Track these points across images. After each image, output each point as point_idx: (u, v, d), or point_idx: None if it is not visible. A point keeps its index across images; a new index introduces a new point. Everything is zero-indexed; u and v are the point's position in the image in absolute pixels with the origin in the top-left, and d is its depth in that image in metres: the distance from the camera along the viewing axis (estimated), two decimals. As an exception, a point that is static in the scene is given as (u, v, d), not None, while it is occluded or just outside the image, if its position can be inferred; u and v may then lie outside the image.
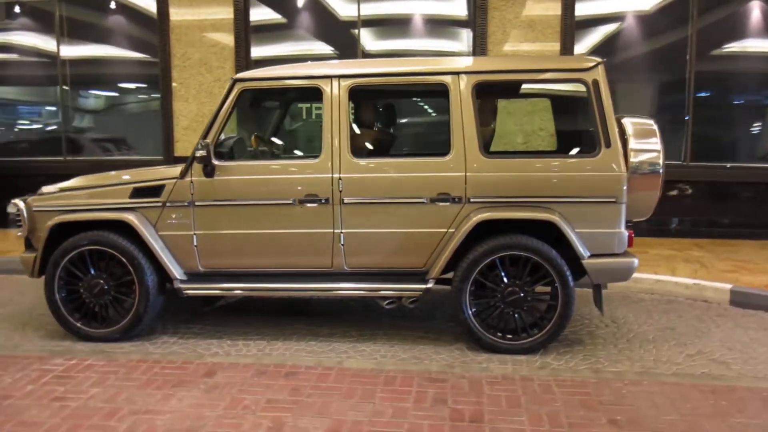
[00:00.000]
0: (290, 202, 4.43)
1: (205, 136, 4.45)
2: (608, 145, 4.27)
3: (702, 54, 8.34)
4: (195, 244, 4.56)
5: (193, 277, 4.63)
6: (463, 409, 3.47)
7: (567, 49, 8.11)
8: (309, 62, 4.68)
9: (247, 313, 5.39)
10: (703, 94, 8.42)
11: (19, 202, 4.70)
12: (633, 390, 3.73)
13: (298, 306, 5.57)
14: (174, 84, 8.97)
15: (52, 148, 9.60)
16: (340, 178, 4.40)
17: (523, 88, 4.81)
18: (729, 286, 5.67)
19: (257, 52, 9.02)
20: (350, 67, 4.48)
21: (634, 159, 4.40)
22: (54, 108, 9.65)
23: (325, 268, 4.53)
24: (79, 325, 4.63)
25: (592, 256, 4.30)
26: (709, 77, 8.41)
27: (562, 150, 4.93)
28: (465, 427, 3.28)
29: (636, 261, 4.33)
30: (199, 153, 4.33)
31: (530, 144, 6.25)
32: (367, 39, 8.81)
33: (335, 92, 4.44)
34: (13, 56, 9.84)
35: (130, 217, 4.50)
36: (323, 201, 4.41)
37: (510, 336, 4.36)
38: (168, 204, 4.53)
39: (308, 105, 4.96)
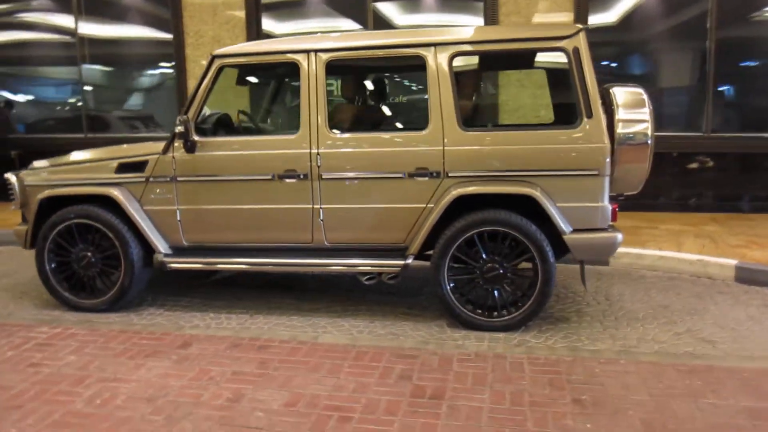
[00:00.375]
0: (269, 177, 4.42)
1: (185, 112, 4.47)
2: (590, 115, 4.12)
3: (723, 21, 7.96)
4: (179, 219, 4.60)
5: (178, 251, 4.68)
6: (426, 385, 3.43)
7: (581, 18, 7.85)
8: (290, 37, 4.62)
9: (237, 287, 5.44)
10: (724, 63, 8.05)
11: (12, 176, 4.82)
12: (607, 369, 3.63)
13: (288, 281, 5.59)
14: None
15: (73, 126, 9.85)
16: (318, 154, 4.36)
17: (504, 59, 4.68)
18: (734, 262, 5.46)
19: (269, 26, 9.00)
20: (327, 41, 4.41)
21: (621, 130, 4.24)
22: (74, 86, 9.83)
23: (306, 243, 4.52)
24: (67, 295, 4.75)
25: (575, 231, 4.19)
26: (730, 45, 8.02)
27: (549, 122, 4.78)
28: (423, 403, 3.24)
29: (620, 236, 4.19)
30: (178, 129, 4.35)
31: (524, 116, 6.15)
32: (382, 13, 8.71)
33: (312, 67, 4.38)
34: (35, 35, 10.04)
35: (115, 192, 4.56)
36: (302, 176, 4.38)
37: (489, 313, 4.29)
38: (151, 179, 4.57)
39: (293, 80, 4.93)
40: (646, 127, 4.22)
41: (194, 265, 4.60)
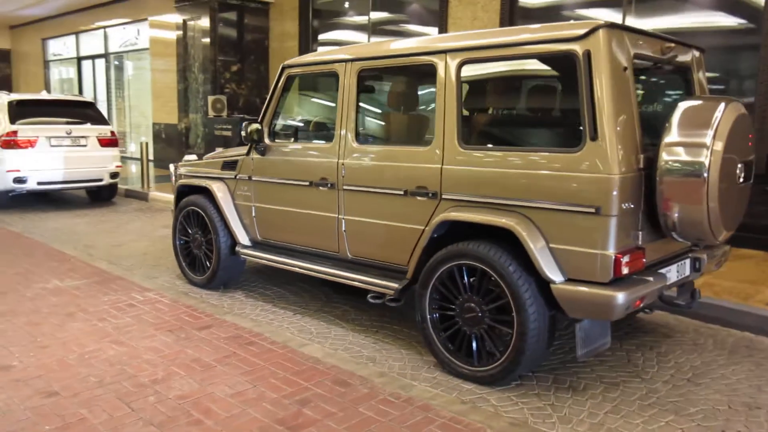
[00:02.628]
0: (307, 184, 4.52)
1: (261, 118, 4.86)
2: (594, 137, 3.15)
3: None
4: (254, 215, 5.04)
5: (255, 244, 5.13)
6: (311, 416, 3.19)
7: None
8: (345, 47, 4.57)
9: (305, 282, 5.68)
10: None
11: (172, 166, 5.90)
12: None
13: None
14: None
15: None
16: (342, 164, 4.29)
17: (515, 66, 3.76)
18: None
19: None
20: (360, 51, 4.27)
21: (664, 157, 3.18)
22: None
23: (334, 252, 4.49)
24: (185, 267, 5.64)
25: (570, 281, 3.27)
26: None
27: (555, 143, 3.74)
28: (272, 427, 3.06)
29: (620, 296, 3.10)
30: (243, 134, 4.78)
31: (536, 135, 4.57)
32: None
33: (346, 76, 4.31)
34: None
35: (212, 185, 5.24)
36: (330, 186, 4.37)
37: (465, 359, 3.65)
38: (238, 177, 5.11)
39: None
40: (701, 154, 3.07)
41: (256, 259, 5.00)
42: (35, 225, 8.45)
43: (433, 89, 3.83)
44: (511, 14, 8.87)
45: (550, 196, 3.32)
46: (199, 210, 5.34)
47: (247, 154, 5.02)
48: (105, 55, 17.02)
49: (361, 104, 4.29)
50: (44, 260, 6.34)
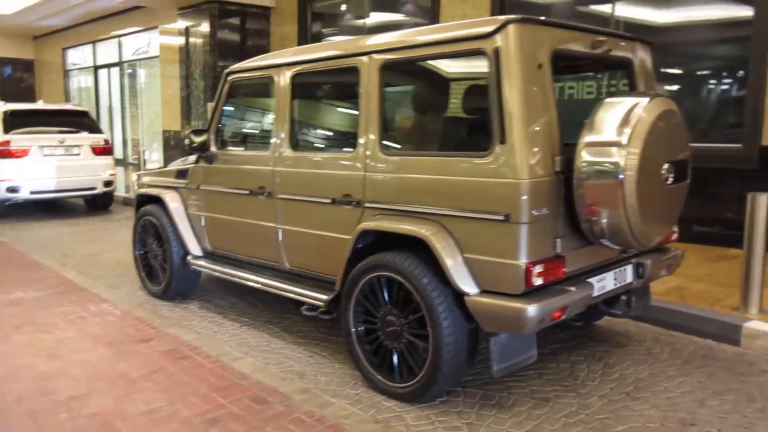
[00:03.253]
0: (248, 192, 4.40)
1: (208, 125, 4.75)
2: (503, 140, 2.95)
3: None
4: (203, 224, 4.94)
5: (206, 255, 5.02)
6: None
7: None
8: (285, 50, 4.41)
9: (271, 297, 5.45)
10: None
11: (134, 175, 5.84)
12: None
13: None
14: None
15: None
16: (277, 172, 4.16)
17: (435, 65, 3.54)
18: None
19: None
20: (292, 55, 4.12)
21: (580, 158, 2.97)
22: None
23: (275, 263, 4.35)
24: (143, 275, 5.60)
25: (485, 293, 3.07)
26: None
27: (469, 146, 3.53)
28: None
29: (531, 309, 2.88)
30: (186, 141, 4.68)
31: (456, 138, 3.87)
32: None
33: (281, 82, 4.17)
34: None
35: (165, 194, 5.15)
36: (267, 194, 4.24)
37: (387, 374, 3.47)
38: (189, 186, 5.01)
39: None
40: (619, 155, 2.85)
41: (205, 270, 4.89)
42: (24, 234, 8.54)
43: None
44: (502, 11, 8.62)
45: (463, 204, 3.12)
46: (154, 220, 5.27)
47: (196, 162, 4.92)
48: (119, 64, 17.22)
49: (295, 110, 4.14)
50: (17, 270, 6.36)
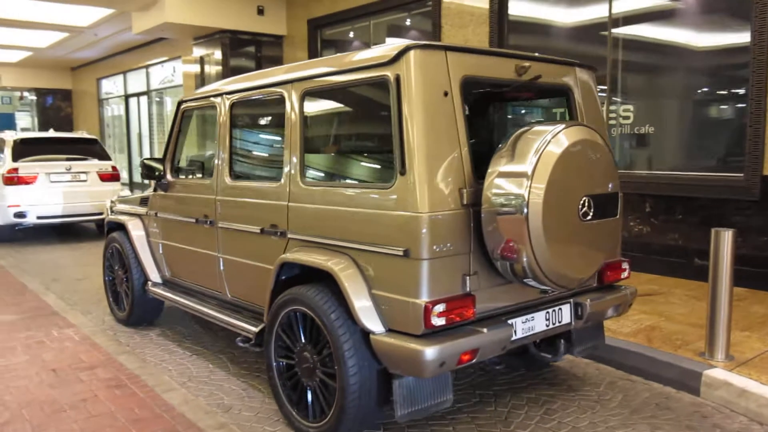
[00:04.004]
0: (194, 221, 4.36)
1: (164, 154, 4.76)
2: (402, 171, 2.83)
3: None
4: (161, 251, 4.92)
5: (165, 282, 4.99)
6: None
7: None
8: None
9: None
10: None
11: (108, 201, 5.88)
12: None
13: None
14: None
15: None
16: (218, 200, 4.11)
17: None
18: None
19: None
20: (231, 84, 4.10)
21: (486, 191, 2.82)
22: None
23: (218, 292, 4.28)
24: (111, 301, 5.62)
25: (391, 332, 2.92)
26: None
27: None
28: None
29: (429, 352, 2.70)
30: (140, 169, 4.69)
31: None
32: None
33: (221, 110, 4.15)
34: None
35: (128, 221, 5.16)
36: (209, 223, 4.19)
37: (303, 412, 3.33)
38: (149, 213, 5.02)
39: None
40: (522, 187, 2.70)
41: (161, 297, 4.86)
42: (23, 258, 8.73)
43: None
44: (500, 34, 8.52)
45: (369, 237, 3.00)
46: (119, 246, 5.28)
47: (154, 190, 4.93)
48: (147, 93, 17.71)
49: (234, 139, 4.10)
50: (3, 294, 6.47)
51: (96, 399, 3.81)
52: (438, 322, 2.79)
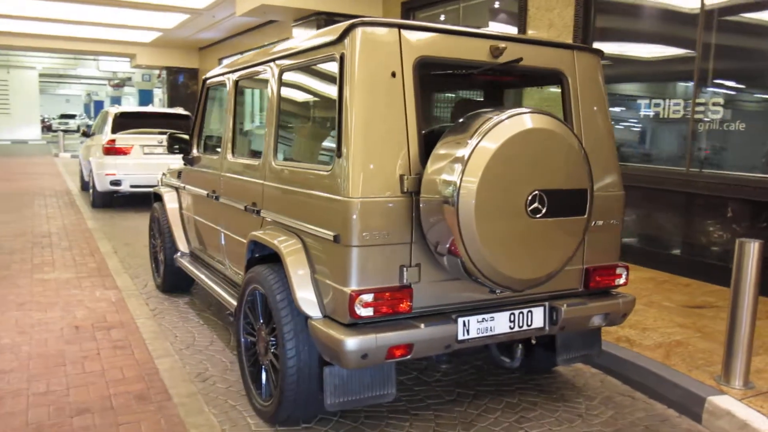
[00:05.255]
0: (205, 195, 4.48)
1: (191, 129, 4.92)
2: (339, 153, 2.73)
3: None
4: (187, 224, 5.11)
5: (191, 253, 5.18)
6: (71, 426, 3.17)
7: None
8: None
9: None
10: None
11: (161, 173, 6.17)
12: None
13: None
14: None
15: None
16: (221, 176, 4.19)
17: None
18: None
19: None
20: (237, 61, 4.13)
21: (424, 178, 2.68)
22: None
23: (223, 266, 4.38)
24: (153, 271, 5.92)
25: (328, 318, 2.85)
26: None
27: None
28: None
29: (349, 342, 2.61)
30: (166, 144, 4.88)
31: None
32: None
33: (228, 88, 4.23)
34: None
35: (164, 192, 5.41)
36: (216, 198, 4.29)
37: (259, 392, 3.34)
38: (181, 186, 5.22)
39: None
40: (455, 175, 2.53)
41: (183, 267, 5.05)
42: (111, 222, 9.45)
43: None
44: (586, 17, 8.01)
45: (312, 219, 2.95)
46: (157, 216, 5.56)
47: (185, 164, 5.13)
48: (260, 73, 18.44)
49: (236, 117, 4.17)
50: (74, 254, 7.05)
51: (96, 357, 4.06)
52: (364, 312, 2.68)
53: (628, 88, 8.12)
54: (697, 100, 6.58)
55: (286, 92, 3.48)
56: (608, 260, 3.36)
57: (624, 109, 8.24)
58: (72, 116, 49.48)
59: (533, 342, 3.71)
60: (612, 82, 8.07)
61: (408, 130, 2.77)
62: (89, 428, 3.13)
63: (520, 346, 3.26)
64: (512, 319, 3.08)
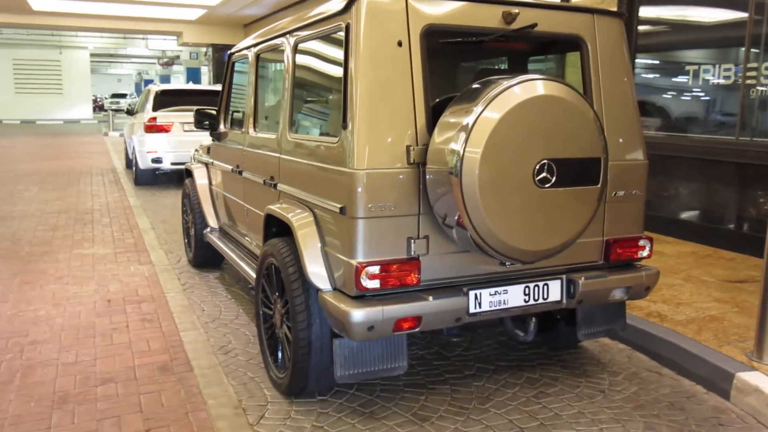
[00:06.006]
0: (230, 170, 4.55)
1: (219, 104, 4.98)
2: (345, 124, 2.72)
3: None
4: (216, 199, 5.20)
5: (220, 229, 5.29)
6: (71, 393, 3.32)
7: None
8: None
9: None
10: None
11: (193, 149, 6.28)
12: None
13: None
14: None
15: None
16: (245, 152, 4.24)
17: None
18: None
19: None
20: (258, 35, 4.14)
21: (430, 146, 2.68)
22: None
23: (248, 241, 4.45)
24: (186, 247, 6.07)
25: (337, 291, 2.88)
26: None
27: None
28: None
29: (356, 315, 2.63)
30: (194, 119, 4.96)
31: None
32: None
33: (250, 62, 4.25)
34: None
35: (195, 169, 5.52)
36: (240, 173, 4.35)
37: (276, 364, 3.41)
38: (210, 162, 5.31)
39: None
40: (460, 146, 2.51)
41: (211, 242, 5.16)
42: (151, 200, 9.72)
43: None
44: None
45: (321, 192, 2.97)
46: (189, 191, 5.69)
47: (213, 140, 5.21)
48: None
49: (258, 91, 4.20)
50: (114, 230, 7.30)
51: (124, 330, 4.22)
52: (370, 284, 2.70)
53: (674, 54, 7.84)
54: (749, 65, 6.31)
55: (299, 64, 3.48)
56: (630, 232, 3.28)
57: (670, 75, 7.97)
58: (123, 95, 50.78)
59: (557, 317, 3.68)
60: (658, 49, 7.81)
61: (415, 100, 2.75)
62: (112, 397, 3.27)
63: (533, 319, 3.23)
64: (527, 292, 3.05)
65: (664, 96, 7.83)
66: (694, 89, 7.21)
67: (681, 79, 7.51)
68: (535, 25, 3.00)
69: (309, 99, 3.66)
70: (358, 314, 2.66)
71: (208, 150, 5.42)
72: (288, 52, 3.53)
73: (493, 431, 3.00)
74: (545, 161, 2.63)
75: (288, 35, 3.55)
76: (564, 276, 3.12)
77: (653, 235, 4.37)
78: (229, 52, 4.82)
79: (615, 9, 3.22)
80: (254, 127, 4.16)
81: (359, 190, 2.67)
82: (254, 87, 4.19)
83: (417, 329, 2.80)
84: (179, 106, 10.44)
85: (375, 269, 2.70)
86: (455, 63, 3.94)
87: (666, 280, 4.91)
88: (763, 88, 6.23)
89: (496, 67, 4.03)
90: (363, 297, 2.75)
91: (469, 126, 2.51)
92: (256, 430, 2.99)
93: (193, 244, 5.64)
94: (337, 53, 2.98)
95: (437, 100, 2.92)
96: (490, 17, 2.95)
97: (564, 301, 3.14)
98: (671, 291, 4.66)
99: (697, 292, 4.68)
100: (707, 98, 7.18)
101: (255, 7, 19.81)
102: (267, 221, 3.54)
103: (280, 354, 3.38)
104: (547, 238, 2.75)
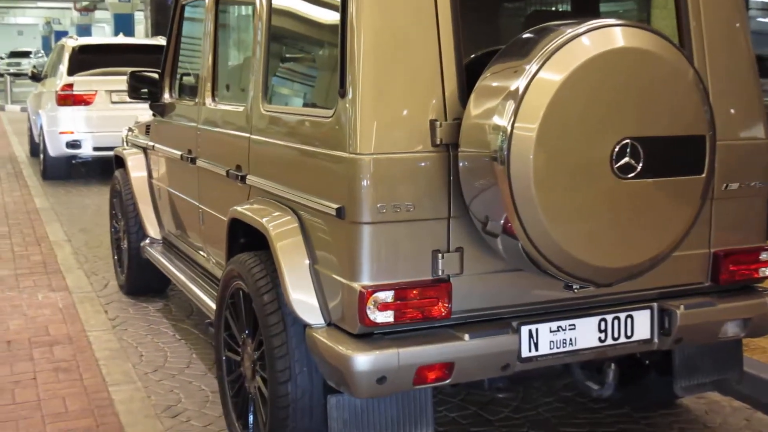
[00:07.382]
0: (179, 156, 4.58)
1: (162, 66, 5.02)
2: (342, 92, 2.74)
3: None
4: (158, 197, 5.25)
5: (165, 240, 5.33)
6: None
7: None
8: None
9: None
10: None
11: (125, 129, 6.35)
12: None
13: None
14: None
15: None
16: (199, 130, 4.28)
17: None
18: None
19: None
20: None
21: (464, 123, 2.70)
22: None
23: (203, 255, 4.49)
24: (115, 261, 6.17)
25: (332, 326, 2.89)
26: None
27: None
28: None
29: (360, 361, 2.62)
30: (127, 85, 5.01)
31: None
32: None
33: (209, 10, 4.29)
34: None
35: (127, 155, 5.58)
36: (191, 161, 4.38)
37: (243, 423, 3.47)
38: (150, 146, 5.35)
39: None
40: (505, 119, 2.51)
41: (152, 259, 5.20)
42: (66, 200, 9.90)
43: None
44: None
45: (309, 187, 2.98)
46: (119, 188, 5.72)
47: (154, 115, 5.25)
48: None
49: (219, 46, 4.24)
50: (12, 244, 7.41)
51: (31, 383, 4.26)
52: (380, 317, 2.70)
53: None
54: None
55: (278, 8, 3.50)
56: (748, 241, 3.29)
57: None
58: (26, 54, 51.24)
59: (647, 364, 3.69)
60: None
61: (442, 55, 2.76)
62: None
63: (612, 366, 3.24)
64: (603, 327, 3.05)
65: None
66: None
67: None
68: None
69: (291, 56, 3.70)
70: (364, 360, 2.67)
71: (147, 129, 5.48)
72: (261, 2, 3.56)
73: None
74: (627, 141, 2.63)
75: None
76: (655, 304, 3.13)
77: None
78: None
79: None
80: (213, 96, 4.21)
81: (364, 183, 2.68)
82: (213, 41, 4.23)
83: (447, 381, 2.82)
84: (105, 68, 10.51)
85: (387, 296, 2.70)
86: (498, 2, 3.95)
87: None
88: None
89: (555, 8, 4.05)
90: (370, 335, 2.76)
91: (520, 92, 2.51)
92: None
93: (126, 262, 5.69)
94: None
95: (473, 55, 2.94)
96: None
97: (655, 339, 3.14)
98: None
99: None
100: None
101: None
102: (232, 229, 3.56)
103: (251, 418, 3.41)
104: (631, 250, 2.75)
